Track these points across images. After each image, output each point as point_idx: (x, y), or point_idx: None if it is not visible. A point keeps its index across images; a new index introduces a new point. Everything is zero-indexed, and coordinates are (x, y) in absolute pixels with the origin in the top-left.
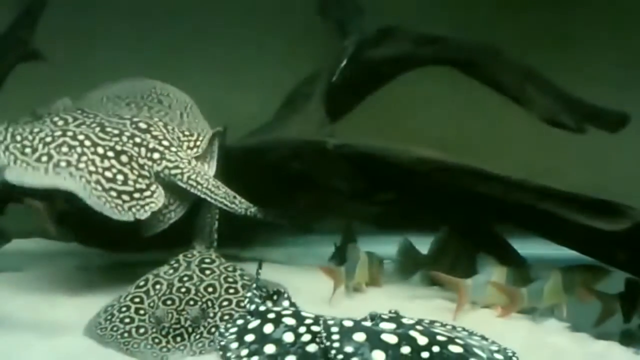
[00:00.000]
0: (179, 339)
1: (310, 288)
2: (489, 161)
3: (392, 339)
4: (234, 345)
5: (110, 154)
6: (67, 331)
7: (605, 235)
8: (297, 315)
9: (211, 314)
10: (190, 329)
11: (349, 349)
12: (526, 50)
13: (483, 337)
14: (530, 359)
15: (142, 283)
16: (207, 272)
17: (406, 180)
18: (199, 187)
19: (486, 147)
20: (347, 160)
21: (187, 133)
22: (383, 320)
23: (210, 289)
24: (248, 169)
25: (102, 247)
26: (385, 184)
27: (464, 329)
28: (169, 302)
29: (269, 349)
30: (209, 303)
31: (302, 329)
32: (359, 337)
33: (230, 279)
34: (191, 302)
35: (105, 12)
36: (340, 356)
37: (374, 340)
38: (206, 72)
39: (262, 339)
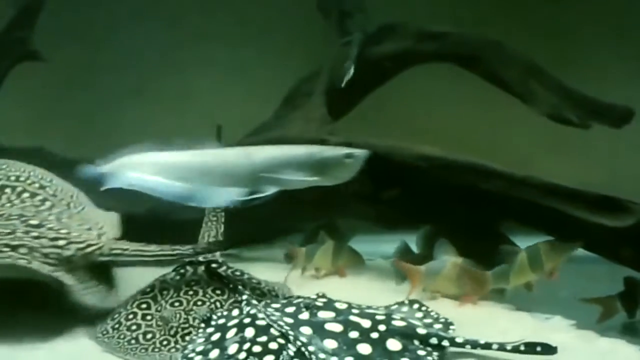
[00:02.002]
0: (187, 338)
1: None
2: (492, 158)
3: (337, 328)
4: (200, 341)
5: (6, 249)
6: (71, 334)
7: (609, 231)
8: (261, 328)
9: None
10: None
11: (303, 338)
12: (529, 44)
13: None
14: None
15: (148, 289)
16: (214, 276)
17: (408, 177)
18: (127, 251)
19: (489, 143)
20: None
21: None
22: (319, 309)
23: (218, 291)
24: None
25: None
26: (387, 181)
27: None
28: (176, 304)
29: (213, 353)
30: (217, 304)
31: (246, 345)
32: (306, 330)
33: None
34: (199, 303)
35: (105, 14)
36: (299, 343)
37: (320, 331)
38: (206, 72)
39: (220, 342)
